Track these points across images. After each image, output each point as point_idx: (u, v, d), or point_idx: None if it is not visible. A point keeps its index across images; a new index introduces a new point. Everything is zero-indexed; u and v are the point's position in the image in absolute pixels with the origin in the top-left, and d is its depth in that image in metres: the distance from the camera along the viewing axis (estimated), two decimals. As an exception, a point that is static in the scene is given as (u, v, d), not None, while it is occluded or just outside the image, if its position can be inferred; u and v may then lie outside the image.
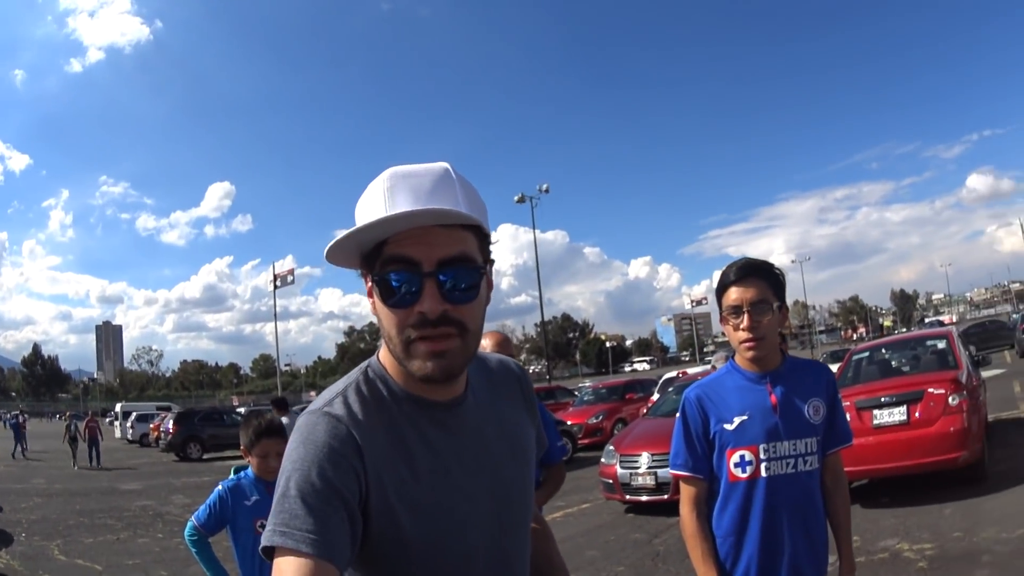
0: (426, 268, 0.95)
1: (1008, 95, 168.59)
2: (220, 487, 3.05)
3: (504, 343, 3.42)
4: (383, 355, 1.07)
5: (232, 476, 3.13)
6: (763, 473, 1.90)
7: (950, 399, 6.52)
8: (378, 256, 0.97)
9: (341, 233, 0.94)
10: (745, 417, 1.92)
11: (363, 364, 1.08)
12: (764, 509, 1.90)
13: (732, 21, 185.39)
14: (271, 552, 0.91)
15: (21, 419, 26.48)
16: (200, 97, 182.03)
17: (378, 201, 0.96)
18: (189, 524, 3.04)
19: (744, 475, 1.91)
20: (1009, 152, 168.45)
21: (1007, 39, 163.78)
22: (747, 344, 1.93)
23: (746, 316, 1.91)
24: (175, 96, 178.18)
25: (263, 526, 2.85)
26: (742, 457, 1.91)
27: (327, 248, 0.95)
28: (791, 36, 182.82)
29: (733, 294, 1.94)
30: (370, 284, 1.00)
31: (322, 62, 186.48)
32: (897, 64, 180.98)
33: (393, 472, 0.98)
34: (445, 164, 1.00)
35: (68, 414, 26.07)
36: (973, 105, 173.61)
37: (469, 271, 0.98)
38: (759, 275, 1.95)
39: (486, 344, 3.35)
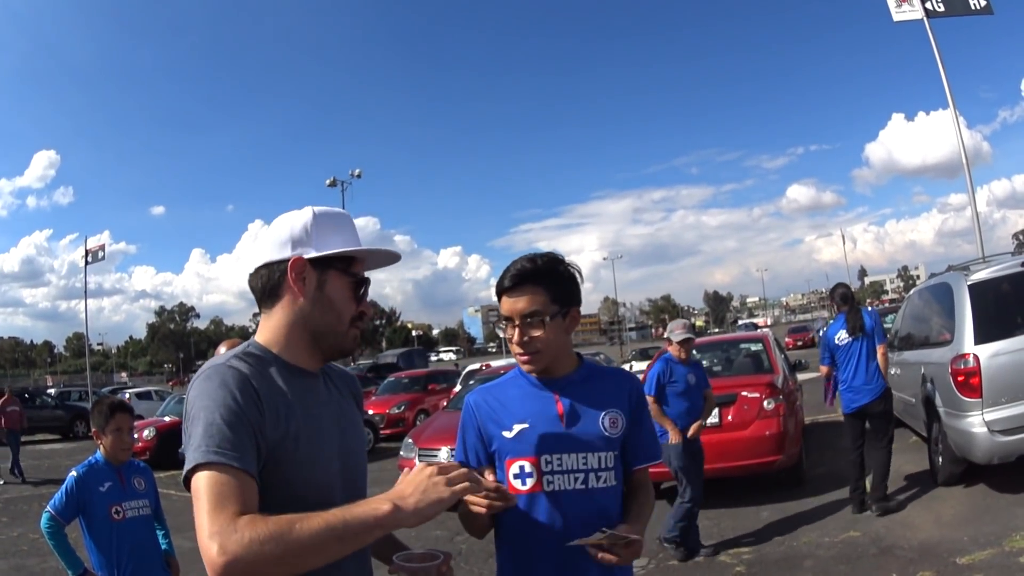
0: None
1: (837, 113, 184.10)
2: (74, 472, 2.99)
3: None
4: (267, 336, 1.46)
5: (84, 462, 3.05)
6: (545, 487, 1.74)
7: (765, 403, 6.56)
8: (346, 265, 1.48)
9: (376, 246, 1.50)
10: (525, 426, 1.77)
11: (242, 344, 1.47)
12: (545, 525, 1.74)
13: (559, 12, 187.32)
14: (194, 471, 1.23)
15: None
16: (37, 60, 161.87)
17: (350, 233, 1.50)
18: (45, 514, 2.94)
19: (524, 488, 1.75)
20: (833, 168, 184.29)
21: (838, 58, 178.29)
22: (521, 359, 1.80)
23: (516, 331, 1.76)
24: (10, 56, 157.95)
25: (118, 512, 3.14)
26: (521, 468, 1.74)
27: (381, 249, 1.52)
28: (619, 31, 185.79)
29: (505, 304, 1.78)
30: (335, 276, 1.46)
31: (156, 33, 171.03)
32: (724, 70, 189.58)
33: (281, 407, 1.36)
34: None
35: None
36: (801, 119, 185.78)
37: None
38: (535, 281, 1.76)
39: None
